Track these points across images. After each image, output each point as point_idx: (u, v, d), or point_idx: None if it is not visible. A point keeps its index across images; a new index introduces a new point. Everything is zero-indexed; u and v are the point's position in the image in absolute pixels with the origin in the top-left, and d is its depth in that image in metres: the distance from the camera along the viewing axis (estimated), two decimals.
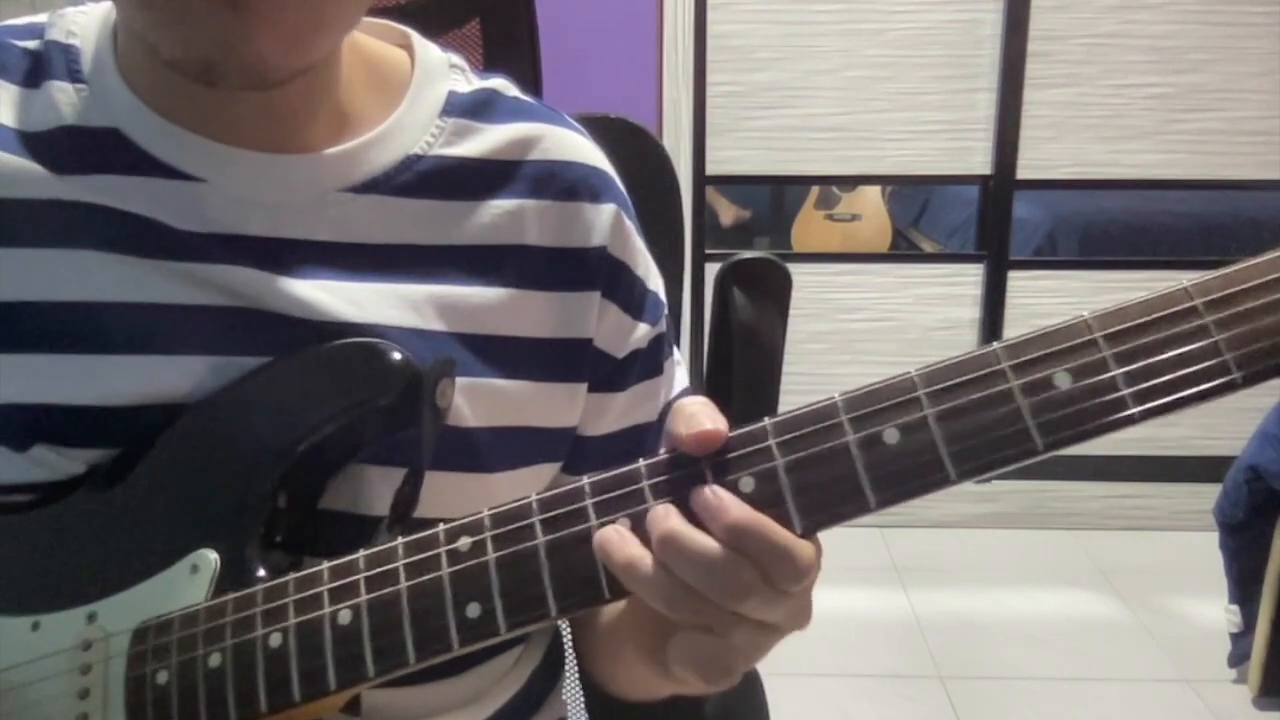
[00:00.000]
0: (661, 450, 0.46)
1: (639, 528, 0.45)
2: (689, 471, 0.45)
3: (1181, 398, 0.39)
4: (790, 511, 0.43)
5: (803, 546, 0.44)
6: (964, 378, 0.42)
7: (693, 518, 0.44)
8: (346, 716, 0.51)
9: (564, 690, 0.76)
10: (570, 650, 0.81)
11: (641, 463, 0.46)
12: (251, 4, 0.48)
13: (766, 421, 0.45)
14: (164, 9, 0.49)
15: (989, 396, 0.42)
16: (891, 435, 0.42)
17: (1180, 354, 0.40)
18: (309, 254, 0.57)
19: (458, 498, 0.57)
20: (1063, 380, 0.41)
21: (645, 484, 0.45)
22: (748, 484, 0.44)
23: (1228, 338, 0.39)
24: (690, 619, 0.44)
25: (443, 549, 0.47)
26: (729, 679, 0.46)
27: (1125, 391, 0.40)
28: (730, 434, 0.45)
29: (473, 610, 0.46)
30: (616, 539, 0.44)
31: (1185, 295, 0.40)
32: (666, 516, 0.44)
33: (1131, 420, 0.40)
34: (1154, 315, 0.40)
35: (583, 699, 0.87)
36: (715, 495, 0.44)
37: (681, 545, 0.43)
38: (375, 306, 0.57)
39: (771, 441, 0.44)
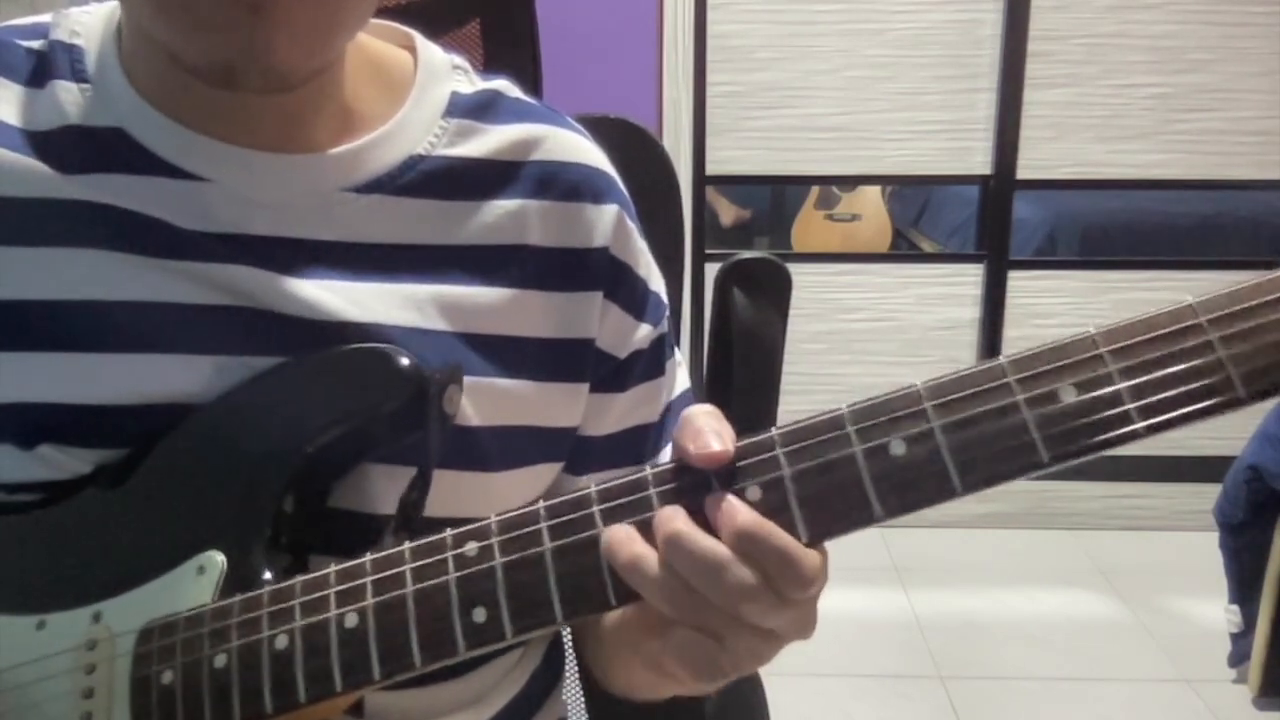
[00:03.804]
0: (666, 456, 0.47)
1: (646, 533, 0.45)
2: (695, 479, 0.45)
3: (1186, 413, 0.40)
4: (796, 520, 0.44)
5: (808, 555, 0.44)
6: (970, 390, 0.42)
7: (701, 523, 0.44)
8: (350, 718, 0.51)
9: (564, 690, 0.76)
10: (570, 651, 0.81)
11: (648, 470, 0.46)
12: (271, 9, 0.49)
13: (774, 431, 0.45)
14: (185, 17, 0.50)
15: (995, 410, 0.42)
16: (898, 447, 0.43)
17: (1185, 370, 0.40)
18: (312, 254, 0.57)
19: (459, 496, 0.57)
20: (1068, 394, 0.41)
21: (652, 491, 0.45)
22: (754, 492, 0.44)
23: (1232, 354, 0.39)
24: (691, 620, 0.44)
25: (449, 553, 0.47)
26: (720, 680, 0.46)
27: (1130, 406, 0.40)
28: (737, 443, 0.45)
29: (479, 615, 0.46)
30: (622, 537, 0.45)
31: (1190, 312, 0.40)
32: (673, 517, 0.44)
33: (1136, 435, 0.40)
34: (1159, 331, 0.41)
35: (583, 699, 0.87)
36: (725, 501, 0.44)
37: (686, 545, 0.43)
38: (378, 306, 0.57)
39: (779, 451, 0.44)
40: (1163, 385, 0.40)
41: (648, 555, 0.44)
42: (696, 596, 0.44)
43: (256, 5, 0.48)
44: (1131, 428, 0.40)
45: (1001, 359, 0.42)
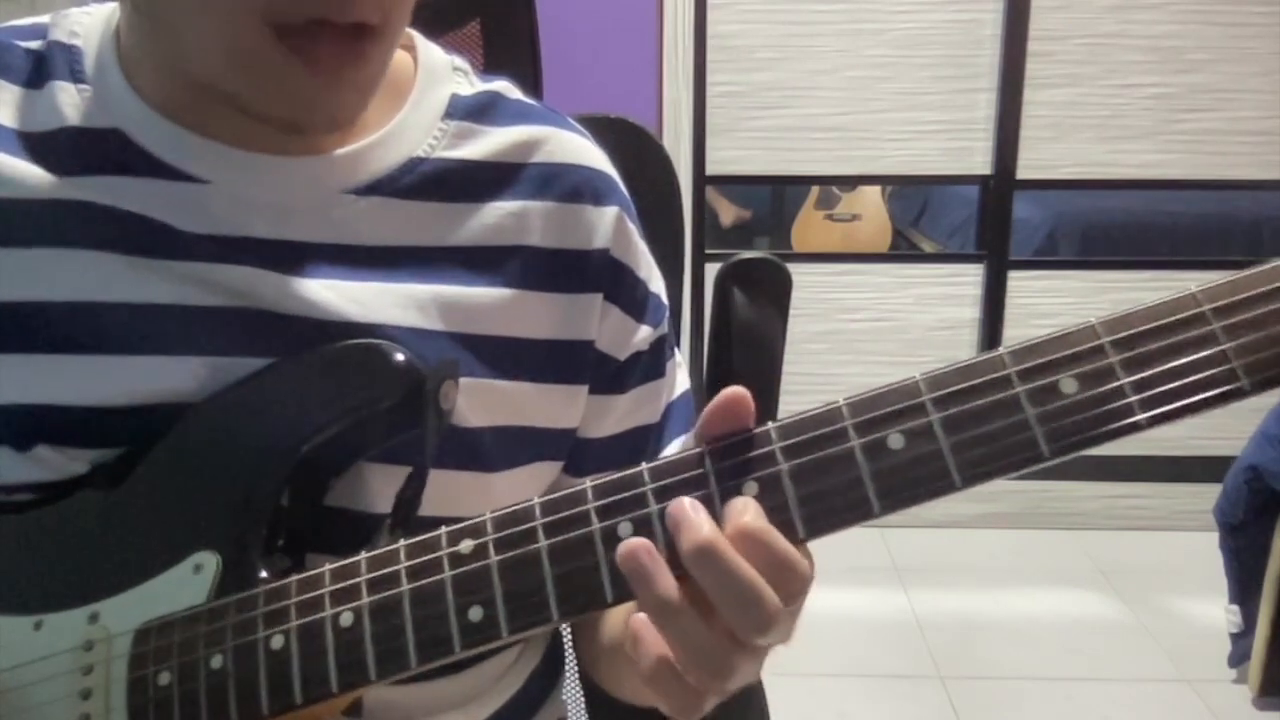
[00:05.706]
0: (666, 452, 0.46)
1: (643, 529, 0.44)
2: (692, 475, 0.45)
3: (1188, 405, 0.39)
4: (794, 517, 0.43)
5: (802, 562, 0.43)
6: (970, 383, 0.42)
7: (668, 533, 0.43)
8: (348, 718, 0.51)
9: (564, 690, 0.76)
10: (570, 650, 0.81)
11: (644, 466, 0.46)
12: (344, 72, 0.52)
13: (770, 426, 0.44)
14: (261, 75, 0.51)
15: (995, 403, 0.41)
16: (897, 441, 0.42)
17: (1188, 361, 0.39)
18: (312, 255, 0.57)
19: (458, 496, 0.57)
20: (1069, 387, 0.41)
21: (648, 488, 0.45)
22: (752, 488, 0.44)
23: (1235, 345, 0.39)
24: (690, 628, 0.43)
25: (445, 552, 0.47)
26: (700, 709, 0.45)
27: (1132, 399, 0.40)
28: (734, 439, 0.45)
29: (475, 614, 0.46)
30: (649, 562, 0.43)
31: (1193, 301, 0.40)
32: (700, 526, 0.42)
33: (1138, 427, 0.40)
34: (1161, 321, 0.40)
35: (583, 699, 0.87)
36: (736, 499, 0.43)
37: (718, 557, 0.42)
38: (378, 306, 0.57)
39: (776, 446, 0.44)
40: (1165, 377, 0.40)
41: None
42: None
43: (329, 70, 0.51)
44: (1133, 419, 0.40)
45: (1002, 350, 0.42)
